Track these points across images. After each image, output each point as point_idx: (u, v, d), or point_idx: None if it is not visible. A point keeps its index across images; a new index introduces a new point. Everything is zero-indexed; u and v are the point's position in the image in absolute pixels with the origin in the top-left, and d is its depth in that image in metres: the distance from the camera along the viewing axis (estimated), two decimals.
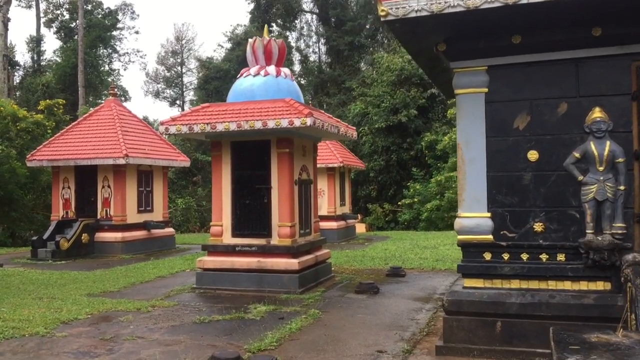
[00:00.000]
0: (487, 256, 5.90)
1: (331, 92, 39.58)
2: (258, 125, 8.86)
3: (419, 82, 29.15)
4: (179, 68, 54.66)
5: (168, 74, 54.46)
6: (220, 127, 9.10)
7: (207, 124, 9.18)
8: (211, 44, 78.06)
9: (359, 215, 24.08)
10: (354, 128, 11.21)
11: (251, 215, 9.58)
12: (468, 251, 5.98)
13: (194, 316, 7.55)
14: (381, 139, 29.27)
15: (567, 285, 5.65)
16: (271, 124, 8.80)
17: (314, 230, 10.42)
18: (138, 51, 68.67)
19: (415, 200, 26.00)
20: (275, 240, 9.41)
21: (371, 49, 41.79)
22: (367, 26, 41.70)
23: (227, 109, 9.45)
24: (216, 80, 42.29)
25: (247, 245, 9.49)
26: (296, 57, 44.63)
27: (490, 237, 5.87)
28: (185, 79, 54.13)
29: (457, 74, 6.05)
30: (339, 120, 10.72)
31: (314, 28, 45.24)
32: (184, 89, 53.82)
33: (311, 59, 45.64)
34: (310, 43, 46.31)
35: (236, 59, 40.95)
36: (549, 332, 5.45)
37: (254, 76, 9.90)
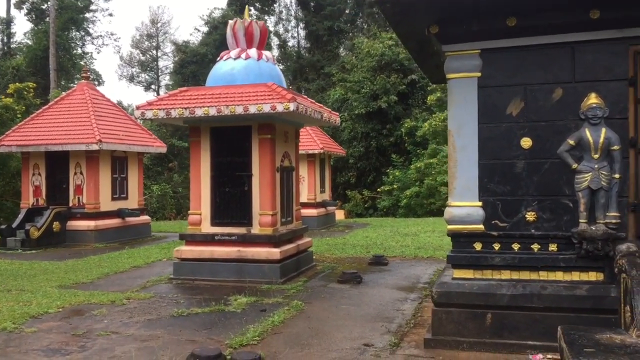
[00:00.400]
0: (478, 246, 5.71)
1: (310, 77, 39.15)
2: (239, 110, 8.53)
3: (399, 68, 28.95)
4: (155, 52, 53.52)
5: (143, 58, 53.33)
6: (199, 112, 8.75)
7: (186, 108, 8.81)
8: (187, 28, 76.70)
9: (338, 202, 23.90)
10: (337, 114, 10.94)
11: (231, 204, 9.28)
12: (458, 241, 5.79)
13: (172, 309, 7.25)
14: (361, 125, 29.06)
15: (559, 276, 5.50)
16: (253, 109, 8.48)
17: (295, 219, 10.17)
18: (112, 34, 67.36)
19: (395, 186, 25.90)
20: (256, 229, 9.13)
21: (351, 34, 41.41)
22: (347, 11, 41.28)
23: (206, 94, 9.09)
24: (193, 65, 41.53)
25: (227, 234, 9.19)
26: (274, 41, 44.01)
27: (481, 226, 5.68)
28: (161, 63, 53.10)
29: (449, 57, 5.81)
30: (321, 105, 10.44)
31: (292, 12, 44.62)
32: (160, 73, 52.79)
33: (290, 44, 45.06)
34: (289, 27, 45.69)
35: (213, 43, 40.23)
36: (540, 324, 5.36)
37: (235, 59, 9.55)
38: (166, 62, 52.76)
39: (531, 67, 5.56)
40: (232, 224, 9.27)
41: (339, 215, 22.42)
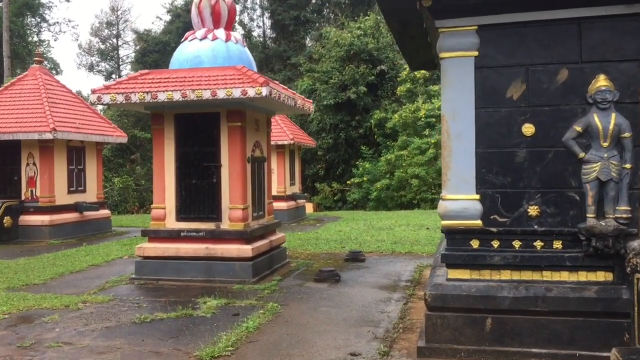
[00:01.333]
0: (475, 244, 5.19)
1: (276, 68, 38.29)
2: (206, 95, 7.81)
3: (368, 59, 28.44)
4: (115, 40, 51.85)
5: (103, 47, 51.58)
6: (162, 97, 7.99)
7: (147, 92, 8.04)
8: (149, 16, 74.48)
9: (307, 195, 23.29)
10: (310, 101, 10.30)
11: (198, 197, 8.57)
12: (453, 238, 5.25)
13: (134, 314, 6.53)
14: (329, 116, 28.49)
15: (564, 276, 5.01)
16: (221, 94, 7.77)
17: (267, 213, 9.51)
18: (70, 21, 64.54)
19: (365, 179, 25.44)
20: (225, 225, 8.44)
21: (317, 24, 40.71)
22: (313, 0, 40.53)
23: (169, 77, 8.33)
24: (155, 54, 40.25)
25: (194, 230, 8.48)
26: (239, 31, 42.93)
27: (479, 222, 5.15)
28: (122, 52, 51.49)
29: (442, 34, 5.23)
30: (294, 92, 9.77)
31: (258, 1, 43.60)
32: (120, 63, 51.18)
33: (255, 33, 44.05)
34: (254, 17, 44.69)
35: (176, 31, 39.01)
36: (545, 330, 4.88)
37: (201, 40, 8.80)
38: (127, 51, 51.21)
39: (533, 46, 5.04)
40: (199, 219, 8.56)
41: (308, 208, 21.84)
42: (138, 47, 45.21)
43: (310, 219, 18.62)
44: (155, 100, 8.02)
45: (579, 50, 4.95)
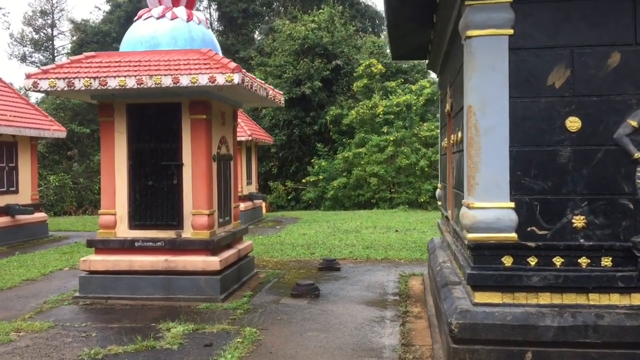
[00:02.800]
0: (508, 261, 4.32)
1: None
2: (167, 81, 6.64)
3: (322, 53, 27.49)
4: (49, 30, 48.73)
5: (36, 36, 48.35)
6: (112, 83, 6.75)
7: (95, 78, 6.78)
8: (87, 6, 70.79)
9: (265, 195, 22.15)
10: (281, 92, 9.24)
11: (156, 201, 7.37)
12: (481, 255, 4.35)
13: (81, 348, 5.32)
14: (283, 112, 27.35)
15: (615, 299, 4.22)
16: (185, 81, 6.61)
17: (233, 218, 8.40)
18: (0, 8, 60.42)
19: (321, 177, 24.49)
20: (188, 233, 7.29)
21: (267, 17, 39.52)
22: None
23: (121, 60, 7.10)
24: (93, 44, 37.82)
25: (151, 239, 7.28)
26: None
27: (514, 235, 4.28)
28: (57, 43, 48.45)
29: (470, 8, 4.33)
30: (262, 81, 8.68)
31: None
32: (56, 54, 48.10)
33: None
34: (201, 9, 42.94)
35: (117, 20, 36.91)
36: None
37: (158, 19, 7.59)
38: (63, 42, 48.55)
39: (580, 24, 4.21)
40: (157, 227, 7.37)
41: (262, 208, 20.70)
42: (75, 38, 42.59)
43: (268, 220, 17.52)
44: (105, 87, 6.77)
45: (633, 30, 4.15)
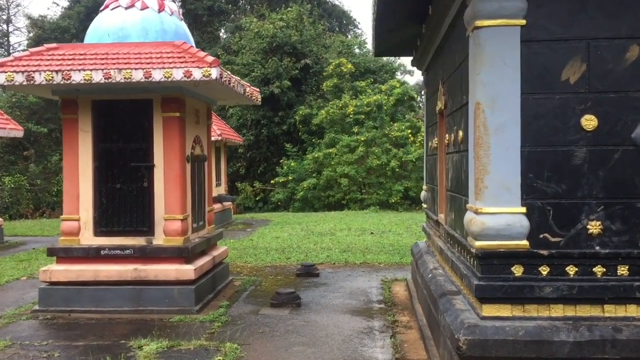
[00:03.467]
0: (518, 271, 3.98)
1: None
2: (137, 76, 6.11)
3: (291, 52, 27.08)
4: (4, 26, 46.86)
5: None
6: (77, 77, 6.18)
7: (57, 71, 6.19)
8: (45, 1, 68.44)
9: (234, 196, 21.58)
10: (258, 90, 8.76)
11: (124, 205, 6.81)
12: (489, 264, 4.01)
13: None
14: (251, 112, 26.82)
15: (632, 310, 3.93)
16: (158, 75, 6.09)
17: (208, 223, 7.90)
18: None
19: (290, 178, 24.04)
20: (160, 240, 6.76)
21: (232, 15, 38.83)
22: None
23: (86, 53, 6.53)
24: (52, 41, 36.07)
25: (119, 247, 6.72)
26: None
27: (526, 242, 3.94)
28: (13, 39, 46.70)
29: None
30: (238, 78, 8.20)
31: None
32: (11, 50, 46.30)
33: None
34: None
35: (77, 16, 35.70)
36: None
37: (126, 9, 7.04)
38: (19, 38, 46.64)
39: (597, 14, 3.90)
40: (125, 233, 6.81)
41: None
42: (32, 34, 41.00)
43: (238, 223, 16.97)
44: (68, 81, 6.19)
45: None
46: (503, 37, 3.93)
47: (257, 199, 26.34)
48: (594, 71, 3.90)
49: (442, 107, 5.87)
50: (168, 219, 6.72)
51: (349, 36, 36.56)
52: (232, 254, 10.63)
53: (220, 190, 16.55)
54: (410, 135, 22.73)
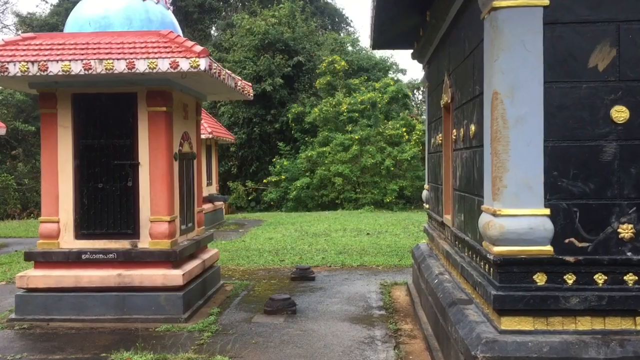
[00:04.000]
0: (541, 279, 3.59)
1: None
2: (120, 67, 5.66)
3: (284, 49, 26.61)
4: None
5: None
6: (54, 69, 5.72)
7: (33, 62, 5.74)
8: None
9: (226, 196, 21.12)
10: (250, 84, 8.33)
11: (107, 206, 6.36)
12: (509, 272, 3.61)
13: None
14: (242, 109, 26.35)
15: None
16: (142, 66, 5.65)
17: (197, 224, 7.46)
18: None
19: (283, 177, 23.58)
20: (145, 243, 6.32)
21: (223, 12, 38.30)
22: None
23: (65, 43, 6.07)
24: None
25: (101, 251, 6.27)
26: None
27: (549, 248, 3.55)
28: (1, 37, 45.87)
29: None
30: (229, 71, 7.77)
31: None
32: None
33: None
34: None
35: (66, 13, 34.90)
36: None
37: None
38: (8, 36, 45.75)
39: None
40: (108, 236, 6.37)
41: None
42: (20, 32, 40.32)
43: (230, 223, 16.51)
44: (45, 72, 5.74)
45: None
46: (524, 18, 3.53)
47: (249, 198, 25.88)
48: (625, 57, 3.51)
49: (448, 101, 5.47)
50: (154, 220, 6.28)
51: (342, 34, 36.15)
52: (224, 256, 10.20)
53: (212, 189, 16.10)
54: (404, 134, 22.35)
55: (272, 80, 25.61)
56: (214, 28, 39.24)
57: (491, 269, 3.78)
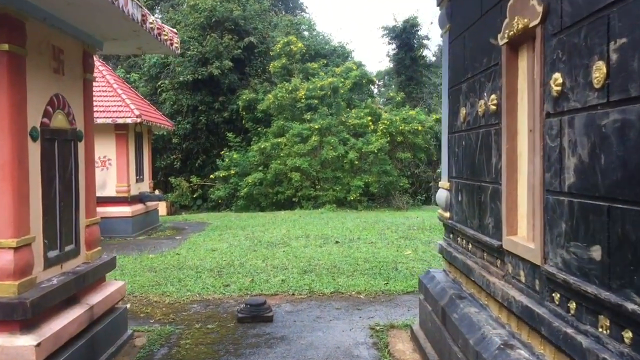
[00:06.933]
0: None
1: None
2: None
3: (233, 28, 23.74)
4: None
5: None
6: None
7: None
8: None
9: (156, 191, 18.16)
10: (176, 31, 5.59)
11: None
12: None
13: None
14: (186, 96, 23.38)
15: None
16: None
17: (85, 245, 4.69)
18: None
19: (232, 172, 20.74)
20: None
21: None
22: None
23: None
24: None
25: None
26: None
27: None
28: None
29: None
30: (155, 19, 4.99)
31: None
32: None
33: None
34: None
35: None
36: None
37: None
38: None
39: None
40: None
41: (161, 209, 16.73)
42: None
43: (166, 227, 13.59)
44: None
45: None
46: None
47: (194, 196, 22.96)
48: None
49: (532, 24, 2.91)
50: None
51: (297, 17, 33.47)
52: (145, 280, 7.43)
53: (143, 187, 13.18)
54: (370, 123, 19.94)
55: (220, 63, 22.74)
56: (158, 10, 35.97)
57: None
